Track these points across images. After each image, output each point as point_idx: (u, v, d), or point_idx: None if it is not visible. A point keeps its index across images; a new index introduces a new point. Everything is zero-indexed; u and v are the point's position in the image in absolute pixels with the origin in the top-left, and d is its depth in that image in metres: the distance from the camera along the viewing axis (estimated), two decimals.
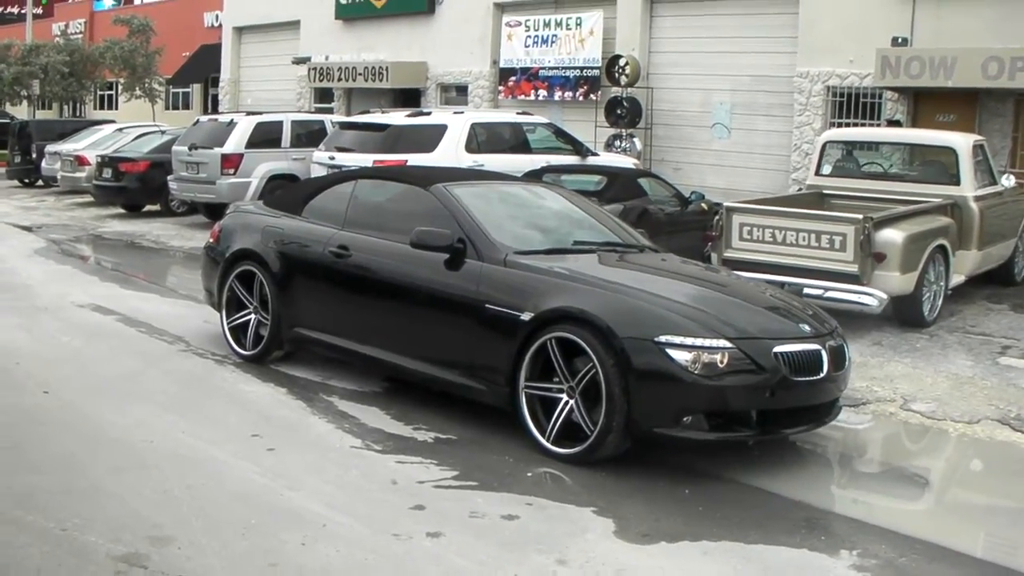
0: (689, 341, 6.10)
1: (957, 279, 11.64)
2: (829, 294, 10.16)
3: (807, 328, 6.69)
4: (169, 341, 9.18)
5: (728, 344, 6.14)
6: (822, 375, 6.49)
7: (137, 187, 20.26)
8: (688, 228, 13.81)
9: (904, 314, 10.74)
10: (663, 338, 6.11)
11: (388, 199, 8.20)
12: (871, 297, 10.18)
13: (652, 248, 8.07)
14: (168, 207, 20.58)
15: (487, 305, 6.81)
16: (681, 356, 6.06)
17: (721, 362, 6.07)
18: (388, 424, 7.01)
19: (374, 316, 7.67)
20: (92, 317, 10.23)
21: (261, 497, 5.57)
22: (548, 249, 7.30)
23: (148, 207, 21.25)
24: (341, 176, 9.02)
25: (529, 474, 6.19)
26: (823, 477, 6.71)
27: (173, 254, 15.98)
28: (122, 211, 21.29)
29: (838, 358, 6.69)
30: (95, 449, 6.27)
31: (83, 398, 7.38)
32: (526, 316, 6.57)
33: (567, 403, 6.39)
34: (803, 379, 6.37)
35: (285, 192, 10.12)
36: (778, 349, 6.30)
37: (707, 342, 6.11)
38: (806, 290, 10.12)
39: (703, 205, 14.68)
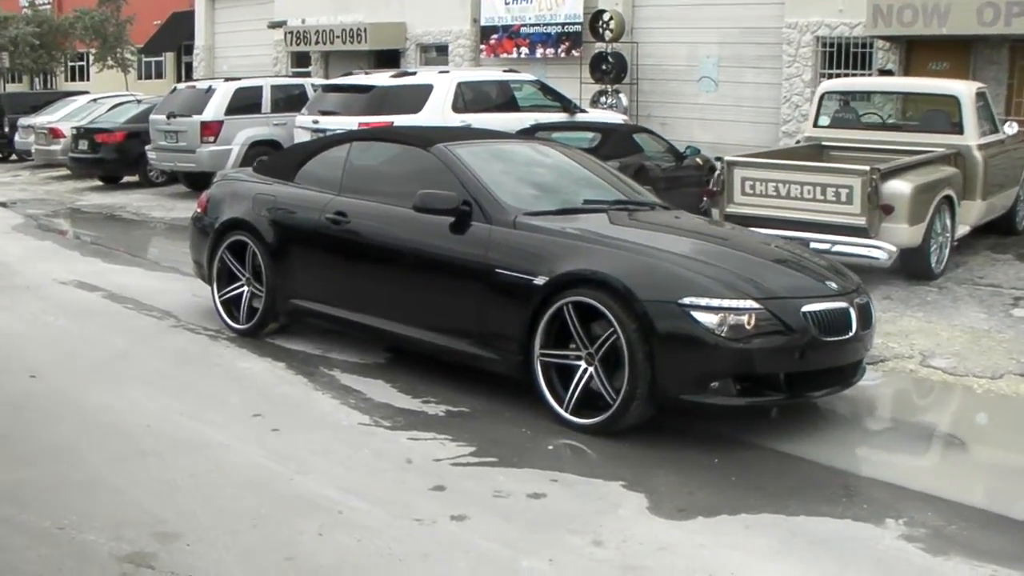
0: (715, 303, 5.79)
1: (963, 230, 11.35)
2: (836, 248, 9.79)
3: (834, 285, 6.39)
4: (158, 317, 8.80)
5: (755, 305, 5.83)
6: (850, 334, 6.20)
7: (114, 158, 19.76)
8: (684, 184, 13.57)
9: (912, 267, 10.44)
10: (687, 300, 5.80)
11: (385, 162, 7.84)
12: (880, 250, 9.86)
13: (663, 205, 7.74)
14: (147, 177, 20.09)
15: (497, 270, 6.48)
16: (707, 318, 5.75)
17: (748, 324, 5.77)
18: (395, 398, 6.68)
19: (376, 285, 7.32)
20: (76, 295, 9.83)
21: (270, 483, 5.22)
22: (558, 209, 6.95)
23: (126, 178, 20.71)
24: (334, 139, 8.63)
25: (550, 447, 5.89)
26: (852, 440, 6.39)
27: (154, 225, 15.56)
28: (99, 183, 20.79)
29: (865, 316, 6.40)
30: (89, 437, 5.88)
31: (73, 381, 6.99)
32: (540, 280, 6.24)
33: (586, 371, 6.09)
34: (832, 339, 6.08)
35: (276, 158, 9.73)
36: (806, 308, 6.00)
37: (733, 303, 5.80)
38: (812, 244, 9.76)
39: (698, 160, 14.41)
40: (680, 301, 5.80)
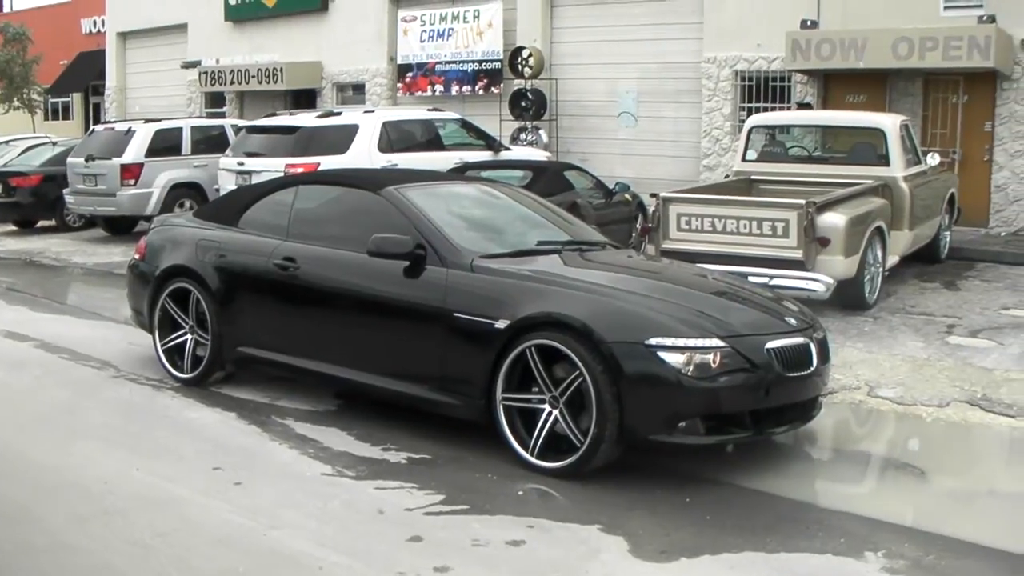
0: (681, 342, 5.79)
1: (892, 260, 11.58)
2: (774, 281, 9.85)
3: (793, 321, 6.45)
4: (97, 367, 8.57)
5: (720, 343, 5.85)
6: (811, 370, 6.27)
7: (31, 202, 19.29)
8: (615, 220, 13.70)
9: (847, 298, 10.60)
10: (654, 341, 5.79)
11: (334, 205, 7.74)
12: (818, 282, 10.01)
13: (613, 244, 7.78)
14: (64, 222, 19.64)
15: (456, 314, 6.42)
16: (673, 358, 5.75)
17: (714, 362, 5.79)
18: (354, 446, 6.56)
19: (328, 331, 7.22)
20: (6, 345, 9.53)
21: (243, 539, 5.07)
22: (514, 251, 6.94)
23: (42, 223, 20.26)
24: (279, 183, 8.50)
25: (519, 492, 5.83)
26: (815, 473, 6.48)
27: (77, 271, 15.19)
28: (15, 228, 20.26)
29: (823, 351, 6.49)
30: (46, 497, 5.66)
31: (18, 437, 6.76)
32: (501, 324, 6.19)
33: (550, 414, 6.04)
34: (794, 375, 6.14)
35: (217, 203, 9.56)
36: (770, 345, 6.05)
37: (699, 342, 5.81)
38: (750, 278, 9.89)
39: (627, 196, 14.50)
40: (647, 342, 5.79)
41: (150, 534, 5.10)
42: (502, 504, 5.62)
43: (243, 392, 7.74)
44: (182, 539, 5.07)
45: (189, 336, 7.98)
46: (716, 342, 5.83)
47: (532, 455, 6.07)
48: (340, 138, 14.90)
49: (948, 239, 13.98)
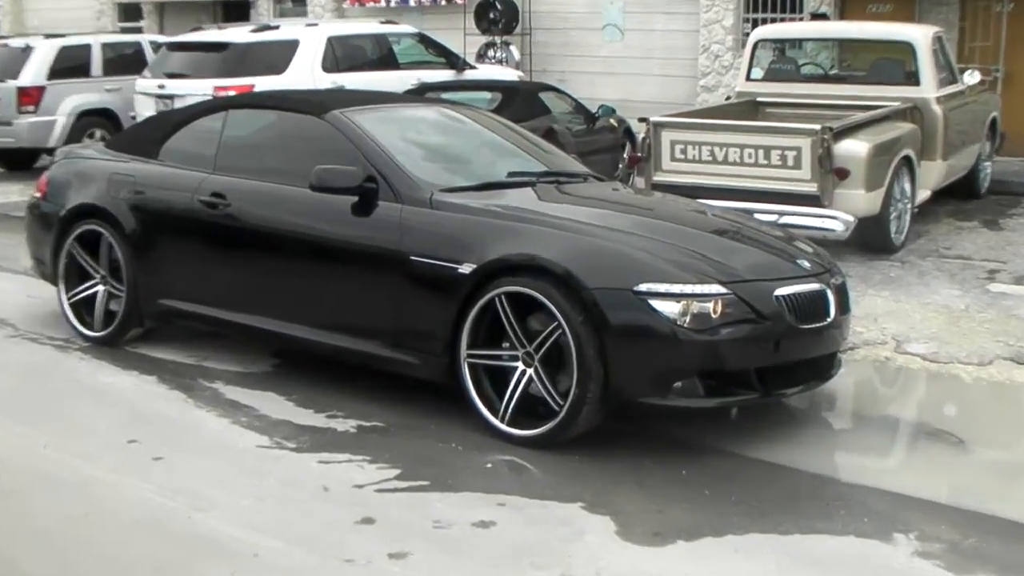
0: (675, 289, 5.77)
1: (923, 195, 11.61)
2: (785, 220, 9.83)
3: (807, 264, 6.44)
4: None
5: (721, 289, 5.83)
6: (828, 320, 6.27)
7: None
8: (598, 148, 13.69)
9: (870, 239, 10.63)
10: (643, 287, 5.77)
11: (270, 133, 7.72)
12: (836, 221, 10.03)
13: (596, 176, 7.78)
14: None
15: (413, 257, 6.39)
16: (667, 307, 5.73)
17: (715, 312, 5.77)
18: (294, 413, 6.55)
19: (264, 279, 7.20)
20: None
21: (165, 523, 5.04)
22: (480, 184, 6.92)
23: None
24: (206, 108, 8.42)
25: (488, 465, 5.83)
26: (833, 442, 6.48)
27: None
28: None
29: (842, 299, 6.49)
30: None
31: None
32: (466, 269, 6.17)
33: (524, 373, 6.03)
34: (809, 327, 6.13)
35: (132, 131, 9.53)
36: (779, 292, 6.03)
37: (696, 288, 5.79)
38: (757, 216, 9.87)
39: (612, 121, 14.46)
40: (636, 288, 5.77)
41: (57, 520, 5.07)
42: (467, 479, 5.60)
43: (164, 352, 7.71)
44: (94, 523, 5.04)
45: (100, 287, 7.93)
46: (717, 288, 5.81)
47: (503, 422, 6.07)
48: (278, 56, 14.79)
49: (989, 171, 14.01)
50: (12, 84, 16.97)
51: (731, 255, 6.26)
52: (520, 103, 13.28)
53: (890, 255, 10.69)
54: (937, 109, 11.69)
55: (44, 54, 17.28)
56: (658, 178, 10.68)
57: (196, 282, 7.49)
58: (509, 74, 17.36)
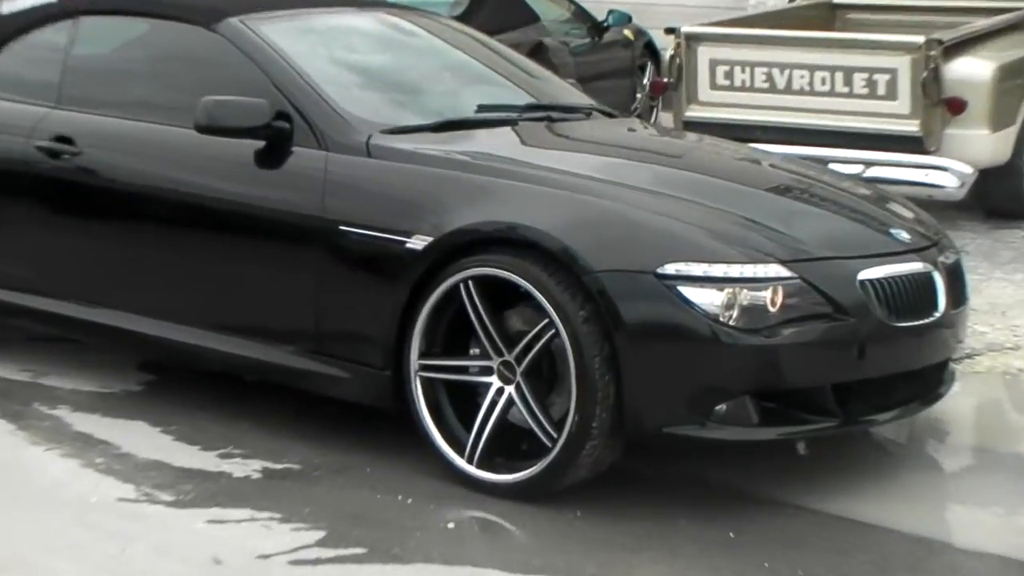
0: (716, 271, 5.69)
1: None
2: (874, 172, 9.95)
3: (904, 236, 6.40)
4: None
5: (782, 271, 5.76)
6: (936, 316, 6.22)
7: None
8: (608, 71, 13.76)
9: (996, 199, 10.83)
10: (671, 268, 5.68)
11: (138, 51, 7.84)
12: (947, 173, 10.05)
13: (605, 111, 7.82)
14: None
15: (343, 227, 6.37)
16: (705, 298, 5.64)
17: (773, 303, 5.69)
18: (173, 450, 6.54)
19: (131, 260, 7.21)
20: None
21: None
22: (438, 123, 6.92)
23: None
24: (45, 15, 8.38)
25: (450, 525, 5.78)
26: (944, 491, 6.52)
27: None
28: None
29: (956, 285, 6.48)
30: None
31: None
32: (418, 243, 6.11)
33: (501, 392, 5.96)
34: (907, 325, 6.08)
35: None
36: (865, 275, 5.96)
37: (747, 270, 5.72)
38: (833, 166, 9.87)
39: (627, 32, 14.44)
40: (660, 271, 5.68)
41: None
42: (421, 545, 5.52)
43: None
44: None
45: None
46: (776, 269, 5.74)
47: (471, 463, 6.01)
48: None
49: None
50: None
51: (796, 223, 6.24)
52: (496, 7, 13.26)
53: None
54: None
55: None
56: (692, 113, 10.84)
57: (32, 265, 7.55)
58: None
